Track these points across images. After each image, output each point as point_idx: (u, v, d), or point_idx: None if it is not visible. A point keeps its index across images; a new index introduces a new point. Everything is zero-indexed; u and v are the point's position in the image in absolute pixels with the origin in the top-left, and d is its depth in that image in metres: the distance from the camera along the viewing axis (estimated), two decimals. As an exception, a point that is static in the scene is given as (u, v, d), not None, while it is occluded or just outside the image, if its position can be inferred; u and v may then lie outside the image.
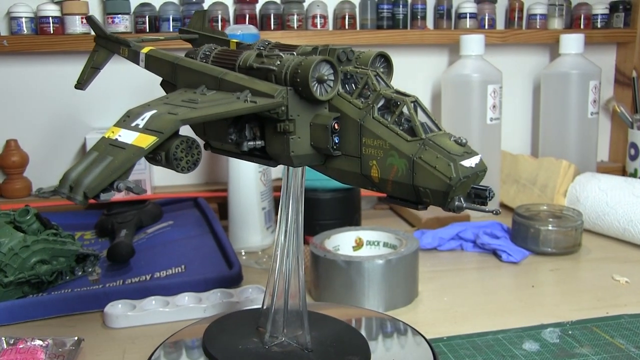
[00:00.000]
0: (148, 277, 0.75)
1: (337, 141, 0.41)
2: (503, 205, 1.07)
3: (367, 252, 0.76)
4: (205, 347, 0.52)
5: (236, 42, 0.54)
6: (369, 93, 0.42)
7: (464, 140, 0.39)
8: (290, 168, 0.48)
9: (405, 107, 0.40)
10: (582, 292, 0.70)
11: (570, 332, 0.59)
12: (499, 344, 0.57)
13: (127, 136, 0.39)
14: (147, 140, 0.38)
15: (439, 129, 0.40)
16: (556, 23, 1.15)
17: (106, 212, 0.94)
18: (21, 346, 0.56)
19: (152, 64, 0.51)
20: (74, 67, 1.00)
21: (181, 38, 0.60)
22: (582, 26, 1.17)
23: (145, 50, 0.53)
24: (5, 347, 0.56)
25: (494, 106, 1.01)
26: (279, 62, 0.42)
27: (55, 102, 1.04)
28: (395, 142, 0.39)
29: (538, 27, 1.14)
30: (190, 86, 0.46)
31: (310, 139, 0.42)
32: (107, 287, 0.71)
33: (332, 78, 0.42)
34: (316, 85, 0.41)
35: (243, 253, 0.86)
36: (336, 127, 0.41)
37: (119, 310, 0.65)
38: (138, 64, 0.53)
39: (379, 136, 0.40)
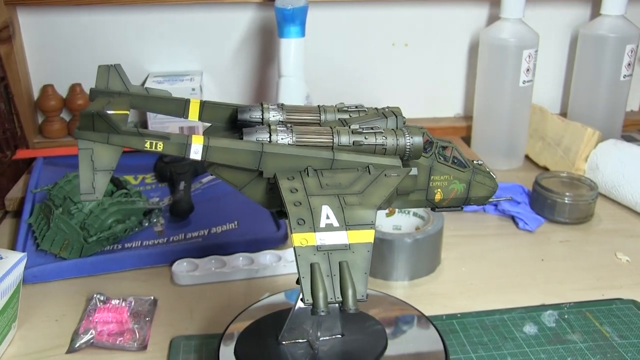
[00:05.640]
0: (206, 232, 0.86)
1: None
2: (528, 159, 1.14)
3: (398, 218, 0.85)
4: None
5: (199, 102, 0.54)
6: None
7: (482, 162, 0.58)
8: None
9: (453, 149, 0.55)
10: (584, 269, 0.80)
11: (566, 317, 0.69)
12: (504, 325, 0.68)
13: (334, 238, 0.42)
14: (367, 235, 0.43)
15: (466, 159, 0.56)
16: (601, -22, 1.15)
17: (164, 158, 1.04)
18: (109, 305, 0.69)
19: (218, 155, 0.47)
20: (132, 17, 1.08)
21: (112, 105, 0.47)
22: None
23: (199, 140, 0.47)
24: (98, 305, 0.69)
25: (527, 69, 1.05)
26: (384, 137, 0.50)
27: (115, 49, 1.11)
28: (456, 174, 0.55)
29: (582, -18, 1.15)
30: (287, 170, 0.48)
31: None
32: (172, 244, 0.83)
33: None
34: None
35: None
36: (416, 174, 0.53)
37: (184, 268, 0.77)
38: (184, 156, 0.47)
39: (445, 172, 0.55)
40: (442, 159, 0.54)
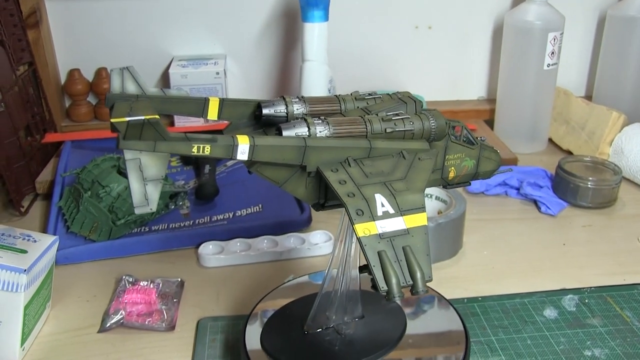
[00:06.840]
0: (231, 215, 0.88)
1: None
2: (551, 143, 1.14)
3: (420, 202, 0.86)
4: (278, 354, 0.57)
5: (218, 100, 0.53)
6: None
7: (484, 138, 0.60)
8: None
9: (462, 128, 0.56)
10: (606, 255, 0.80)
11: (586, 301, 0.70)
12: (524, 309, 0.69)
13: (392, 224, 0.44)
14: (421, 218, 0.45)
15: (474, 136, 0.57)
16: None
17: (189, 142, 1.06)
18: (138, 287, 0.71)
19: (264, 153, 0.47)
20: (156, 0, 1.08)
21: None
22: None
23: (245, 141, 0.46)
24: (127, 286, 0.71)
25: (552, 53, 1.05)
26: (412, 123, 0.51)
27: (140, 33, 1.12)
28: (467, 152, 0.57)
29: (609, -38, 1.13)
30: (329, 163, 0.48)
31: None
32: (197, 227, 0.85)
33: None
34: None
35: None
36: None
37: (210, 251, 0.79)
38: (231, 157, 0.46)
39: (458, 151, 0.56)
40: (454, 138, 0.56)
